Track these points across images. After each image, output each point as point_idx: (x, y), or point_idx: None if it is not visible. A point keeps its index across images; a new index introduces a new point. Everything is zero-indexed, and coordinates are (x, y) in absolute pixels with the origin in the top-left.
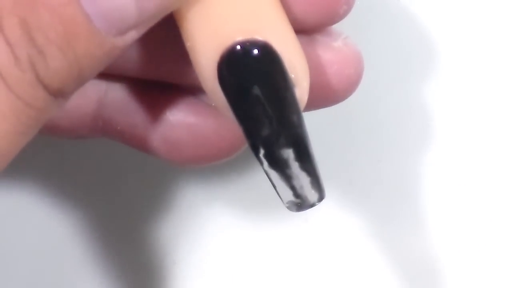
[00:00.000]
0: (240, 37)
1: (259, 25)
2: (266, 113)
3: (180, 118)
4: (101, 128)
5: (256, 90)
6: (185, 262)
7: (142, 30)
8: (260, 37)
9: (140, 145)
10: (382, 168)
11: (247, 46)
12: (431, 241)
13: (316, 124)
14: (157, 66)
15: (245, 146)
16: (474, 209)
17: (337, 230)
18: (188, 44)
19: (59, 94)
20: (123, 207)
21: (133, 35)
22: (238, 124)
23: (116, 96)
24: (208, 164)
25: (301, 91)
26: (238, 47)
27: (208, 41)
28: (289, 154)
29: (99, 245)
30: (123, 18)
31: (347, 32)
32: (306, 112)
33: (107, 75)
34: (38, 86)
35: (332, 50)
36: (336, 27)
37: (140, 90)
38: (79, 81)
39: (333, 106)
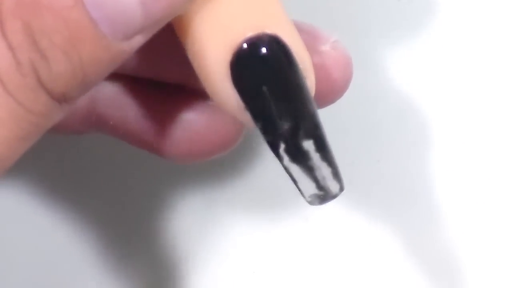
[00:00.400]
0: (250, 33)
1: (267, 20)
2: (284, 107)
3: (174, 114)
4: (94, 124)
5: (272, 85)
6: (186, 262)
7: (149, 34)
8: (269, 31)
9: (133, 140)
10: (382, 168)
11: (258, 41)
12: (431, 241)
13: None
14: (151, 65)
15: (240, 141)
16: (474, 208)
17: (337, 230)
18: (196, 48)
19: (62, 99)
20: (124, 206)
21: (139, 40)
22: (254, 123)
23: (109, 91)
24: (203, 159)
25: (311, 82)
26: (248, 43)
27: (217, 42)
28: (309, 145)
29: (102, 245)
30: (129, 22)
31: (346, 31)
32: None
33: None
34: (39, 90)
35: (320, 54)
36: (329, 28)
37: (133, 85)
38: (84, 86)
39: (332, 107)
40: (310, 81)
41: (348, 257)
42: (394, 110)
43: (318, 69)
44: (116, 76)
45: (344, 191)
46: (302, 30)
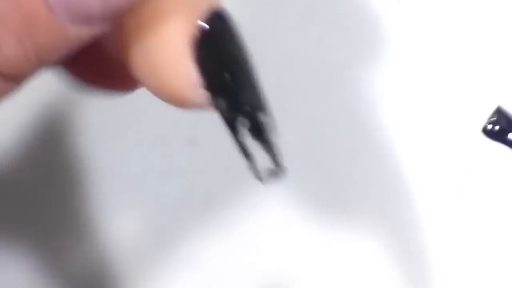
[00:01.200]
0: (209, 8)
1: None
2: (247, 84)
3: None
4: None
5: (233, 58)
6: (183, 263)
7: (108, 22)
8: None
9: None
10: (382, 168)
11: (217, 15)
12: (431, 241)
13: (316, 125)
14: None
15: None
16: (474, 210)
17: (337, 230)
18: (146, 27)
19: (14, 79)
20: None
21: (98, 27)
22: (214, 102)
23: None
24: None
25: None
26: (210, 20)
27: (177, 21)
28: (270, 120)
29: (98, 244)
30: (87, 11)
31: (345, 35)
32: (305, 113)
33: None
34: None
35: None
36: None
37: None
38: (36, 69)
39: (333, 107)
40: None
41: (347, 258)
42: (394, 111)
43: None
44: None
45: (344, 191)
46: None
